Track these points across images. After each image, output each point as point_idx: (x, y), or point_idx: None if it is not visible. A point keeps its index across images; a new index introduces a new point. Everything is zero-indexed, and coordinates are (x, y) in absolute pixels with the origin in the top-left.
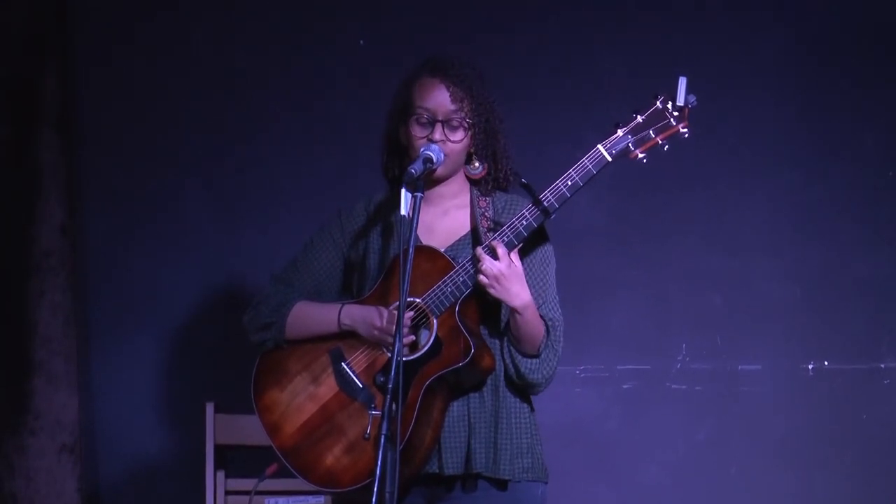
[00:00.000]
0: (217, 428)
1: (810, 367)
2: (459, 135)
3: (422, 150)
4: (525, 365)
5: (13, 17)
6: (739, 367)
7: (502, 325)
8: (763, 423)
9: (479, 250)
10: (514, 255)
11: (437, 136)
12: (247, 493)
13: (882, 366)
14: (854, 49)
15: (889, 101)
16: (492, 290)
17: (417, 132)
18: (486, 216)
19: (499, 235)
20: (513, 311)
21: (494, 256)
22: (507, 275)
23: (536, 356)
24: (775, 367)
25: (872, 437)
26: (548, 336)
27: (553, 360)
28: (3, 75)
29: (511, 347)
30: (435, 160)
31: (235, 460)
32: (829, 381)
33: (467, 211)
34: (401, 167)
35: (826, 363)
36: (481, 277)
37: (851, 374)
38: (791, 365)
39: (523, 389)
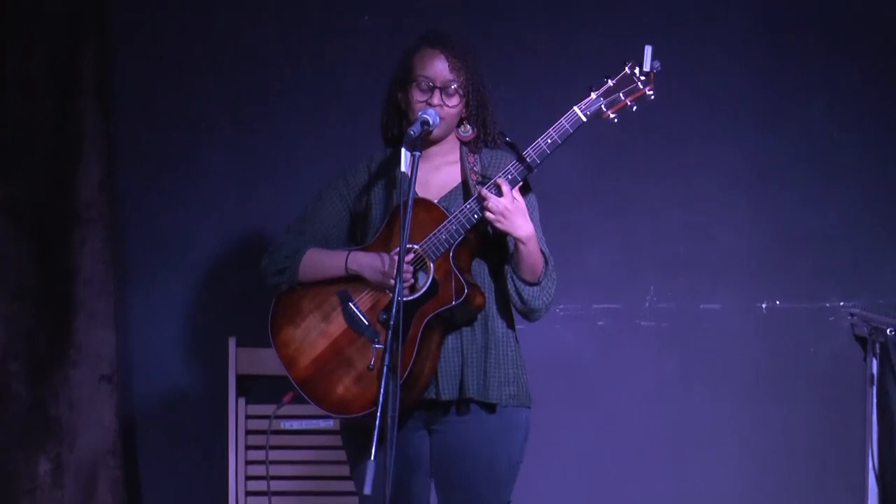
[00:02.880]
0: (238, 360)
1: (763, 306)
2: (454, 101)
3: (420, 113)
4: (528, 292)
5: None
6: (701, 307)
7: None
8: (722, 355)
9: (484, 190)
10: (516, 192)
11: (436, 100)
12: (265, 417)
13: (827, 305)
14: (803, 25)
15: (831, 73)
16: (498, 224)
17: (417, 97)
18: (474, 170)
19: (491, 184)
20: (517, 241)
21: (499, 194)
22: (512, 209)
23: (537, 284)
24: (733, 307)
25: (818, 367)
26: (546, 266)
27: (552, 289)
28: (48, 52)
29: (515, 277)
30: (431, 122)
31: (255, 388)
32: (780, 318)
33: (457, 166)
34: (399, 129)
35: (778, 303)
36: (488, 213)
37: (800, 313)
38: (747, 304)
39: (511, 324)
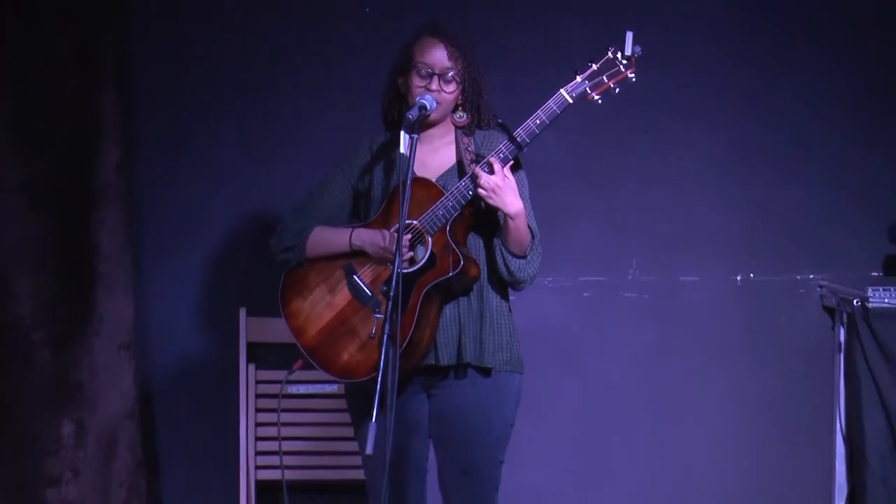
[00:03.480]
0: (249, 328)
1: (739, 278)
2: (452, 87)
3: (418, 98)
4: (514, 264)
5: None
6: (680, 279)
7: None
8: (699, 325)
9: (477, 168)
10: (507, 170)
11: (434, 86)
12: (274, 382)
13: (798, 277)
14: (776, 11)
15: (803, 57)
16: (490, 200)
17: (417, 82)
18: (469, 150)
19: (484, 163)
20: (507, 217)
21: (491, 172)
22: (503, 186)
23: (524, 257)
24: (710, 279)
25: (790, 336)
26: (533, 241)
27: (537, 262)
28: (71, 40)
29: (504, 250)
30: (429, 107)
31: (264, 355)
32: (754, 290)
33: (453, 147)
34: (399, 113)
35: (752, 275)
36: (480, 190)
37: (773, 285)
38: (723, 277)
39: (504, 294)
